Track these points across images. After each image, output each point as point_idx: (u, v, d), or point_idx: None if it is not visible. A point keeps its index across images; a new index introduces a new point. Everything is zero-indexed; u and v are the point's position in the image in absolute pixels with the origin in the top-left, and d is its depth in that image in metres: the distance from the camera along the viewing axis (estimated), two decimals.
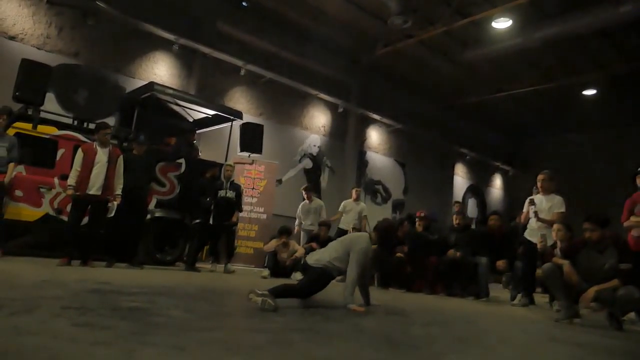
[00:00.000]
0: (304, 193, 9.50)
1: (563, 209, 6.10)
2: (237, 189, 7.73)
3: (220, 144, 9.31)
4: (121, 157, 6.31)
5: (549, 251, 5.21)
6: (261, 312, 3.06)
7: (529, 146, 19.98)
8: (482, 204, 20.15)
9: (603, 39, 11.81)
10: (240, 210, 7.93)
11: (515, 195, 6.88)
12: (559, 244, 5.12)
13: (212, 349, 1.79)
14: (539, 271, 4.65)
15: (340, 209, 9.39)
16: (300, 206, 9.47)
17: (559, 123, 17.81)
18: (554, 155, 18.46)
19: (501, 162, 20.35)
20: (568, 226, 5.29)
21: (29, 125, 6.57)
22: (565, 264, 4.33)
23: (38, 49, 9.44)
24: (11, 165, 5.94)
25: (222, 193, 7.53)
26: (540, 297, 6.51)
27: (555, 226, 5.46)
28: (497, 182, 21.21)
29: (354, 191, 9.54)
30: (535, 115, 17.86)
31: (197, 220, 7.55)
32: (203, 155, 9.05)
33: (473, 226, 12.34)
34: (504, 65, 13.92)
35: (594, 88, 15.00)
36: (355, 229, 8.71)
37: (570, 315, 4.31)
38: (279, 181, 12.31)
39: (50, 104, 8.24)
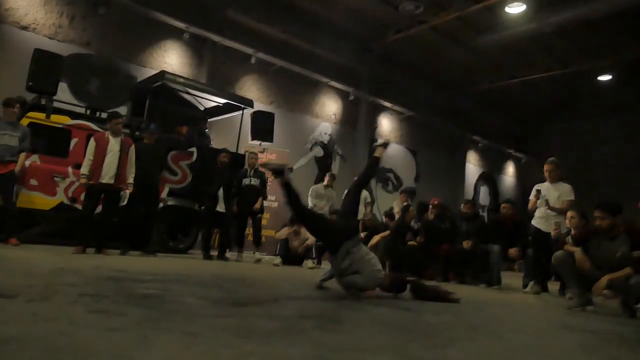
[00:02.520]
0: (327, 176, 9.13)
1: (572, 197, 6.06)
2: (261, 176, 7.67)
3: (231, 133, 9.33)
4: (133, 146, 6.36)
5: (562, 239, 5.17)
6: (274, 300, 3.09)
7: (543, 133, 19.73)
8: (495, 191, 20.02)
9: (618, 23, 11.57)
10: (265, 198, 7.84)
11: (529, 183, 6.82)
12: (572, 231, 5.08)
13: (225, 335, 1.81)
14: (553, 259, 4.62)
15: (343, 197, 9.18)
16: (311, 189, 9.03)
17: (573, 109, 17.56)
18: (568, 141, 18.25)
19: (514, 149, 20.16)
20: (582, 213, 5.24)
21: (42, 115, 6.64)
22: (577, 251, 4.29)
23: (50, 38, 9.49)
24: (22, 155, 6.01)
25: (246, 181, 7.51)
26: (554, 285, 6.47)
27: (568, 213, 5.42)
28: (510, 169, 21.04)
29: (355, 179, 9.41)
30: (549, 101, 17.62)
31: (203, 207, 7.52)
32: (214, 143, 9.09)
33: (485, 214, 12.26)
34: (518, 51, 13.72)
35: (609, 73, 14.76)
36: (366, 218, 8.71)
37: (582, 303, 4.28)
38: (290, 169, 12.32)
39: (63, 94, 8.33)
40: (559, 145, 18.15)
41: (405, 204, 8.36)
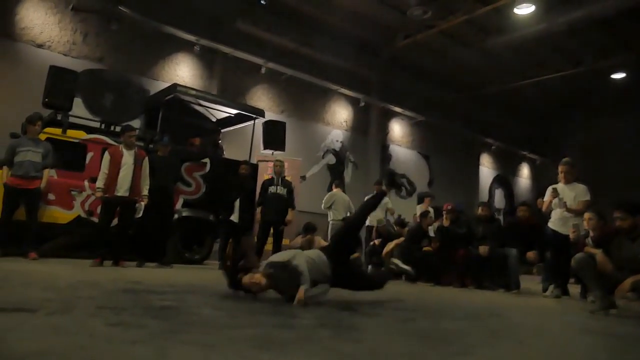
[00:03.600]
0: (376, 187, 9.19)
1: (588, 197, 5.95)
2: (288, 185, 7.52)
3: (243, 143, 9.39)
4: (147, 158, 6.41)
5: (582, 241, 5.08)
6: (289, 309, 3.08)
7: (557, 133, 19.51)
8: (510, 194, 19.82)
9: (631, 20, 11.44)
10: (293, 208, 7.60)
11: (544, 184, 6.73)
12: (591, 233, 5.00)
13: (243, 346, 1.80)
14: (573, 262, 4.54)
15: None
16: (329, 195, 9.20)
17: (587, 108, 17.37)
18: (583, 141, 18.02)
19: (528, 150, 19.96)
20: (600, 214, 5.15)
21: (58, 130, 6.75)
22: (598, 253, 4.22)
23: (64, 55, 9.68)
24: (46, 170, 6.13)
25: (272, 189, 7.34)
26: (574, 289, 6.36)
27: (586, 215, 5.33)
28: (525, 171, 20.83)
29: (375, 188, 9.44)
30: (563, 101, 17.45)
31: (220, 217, 7.50)
32: (227, 154, 9.15)
33: (500, 217, 12.12)
34: (529, 52, 13.64)
35: (623, 71, 14.56)
36: (380, 225, 8.66)
37: (605, 306, 4.19)
38: (303, 177, 12.34)
39: (78, 109, 8.46)
40: (574, 145, 17.92)
41: (428, 208, 8.32)
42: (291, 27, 12.64)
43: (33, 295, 2.86)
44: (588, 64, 13.71)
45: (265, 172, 9.94)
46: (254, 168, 8.52)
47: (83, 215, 6.74)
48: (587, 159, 15.79)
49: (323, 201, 9.37)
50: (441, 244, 7.36)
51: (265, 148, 9.45)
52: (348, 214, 9.05)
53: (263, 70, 12.21)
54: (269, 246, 7.83)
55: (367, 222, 8.98)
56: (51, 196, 6.51)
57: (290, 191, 7.54)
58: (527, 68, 14.59)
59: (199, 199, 7.84)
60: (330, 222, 9.26)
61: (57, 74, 7.07)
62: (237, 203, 7.26)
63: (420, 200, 15.99)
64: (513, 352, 2.18)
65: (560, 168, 6.27)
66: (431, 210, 8.46)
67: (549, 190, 6.21)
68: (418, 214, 8.39)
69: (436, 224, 8.05)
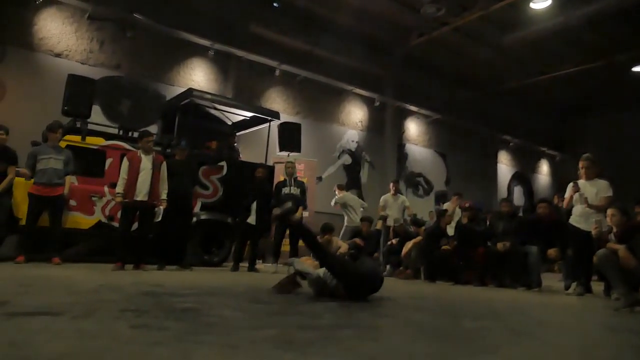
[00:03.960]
0: (391, 185, 9.43)
1: (610, 193, 5.82)
2: (301, 185, 7.59)
3: (259, 145, 9.44)
4: (164, 163, 6.48)
5: (605, 237, 4.99)
6: (310, 310, 3.09)
7: (576, 129, 19.20)
8: (529, 191, 19.56)
9: None
10: (305, 208, 7.73)
11: (564, 181, 6.62)
12: (614, 229, 4.90)
13: (265, 346, 1.81)
14: (595, 258, 4.45)
15: (381, 203, 9.26)
16: (383, 199, 9.30)
17: (607, 103, 17.06)
18: (603, 136, 17.69)
19: (547, 147, 19.67)
20: (623, 210, 5.04)
21: (78, 137, 6.87)
22: (621, 248, 4.14)
23: (82, 63, 9.85)
24: (68, 177, 6.24)
25: (286, 190, 7.40)
26: (598, 286, 6.24)
27: (609, 211, 5.23)
28: (544, 168, 20.54)
29: (391, 185, 9.42)
30: (582, 96, 17.18)
31: (237, 219, 7.55)
32: (243, 156, 9.21)
33: (520, 215, 11.97)
34: (546, 47, 13.45)
35: None
36: (397, 225, 8.63)
37: (630, 303, 4.10)
38: (319, 178, 12.36)
39: (97, 116, 8.60)
40: (594, 140, 17.61)
41: (457, 207, 8.26)
42: (304, 29, 12.67)
43: (57, 299, 2.92)
44: (607, 57, 13.45)
45: (281, 174, 9.99)
46: (270, 170, 8.56)
47: (104, 220, 6.85)
48: (609, 154, 15.49)
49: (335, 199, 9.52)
50: (460, 242, 7.30)
51: (281, 150, 9.49)
52: (361, 209, 9.21)
53: (277, 72, 12.26)
54: (285, 247, 7.87)
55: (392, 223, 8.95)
56: (72, 202, 6.62)
57: (304, 191, 7.60)
58: (545, 63, 14.39)
59: (217, 202, 7.90)
60: (345, 226, 9.32)
61: (75, 82, 7.19)
62: (254, 206, 7.30)
63: (436, 201, 15.94)
64: (536, 350, 2.15)
65: (580, 164, 6.16)
66: (458, 209, 8.35)
67: (570, 185, 6.11)
68: (449, 212, 8.30)
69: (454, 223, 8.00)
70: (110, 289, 3.59)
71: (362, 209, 9.44)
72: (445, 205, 9.19)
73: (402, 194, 10.20)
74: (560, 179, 19.21)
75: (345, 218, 9.45)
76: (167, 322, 2.24)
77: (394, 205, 9.09)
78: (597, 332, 3.02)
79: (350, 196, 9.70)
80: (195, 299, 3.32)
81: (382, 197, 9.35)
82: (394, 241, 8.48)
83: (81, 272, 5.09)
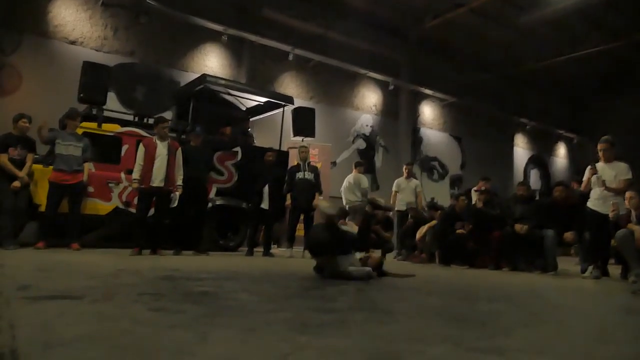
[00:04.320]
0: (404, 168, 9.28)
1: (630, 176, 5.70)
2: (314, 170, 7.60)
3: (273, 130, 9.44)
4: (179, 149, 6.53)
5: (624, 218, 4.92)
6: (325, 293, 3.11)
7: (595, 111, 18.80)
8: (546, 174, 19.31)
9: None
10: (321, 192, 7.69)
11: (582, 164, 6.49)
12: (633, 212, 4.83)
13: (281, 329, 1.84)
14: (613, 241, 4.41)
15: (394, 188, 9.18)
16: (396, 183, 9.20)
17: (628, 83, 16.66)
18: (623, 118, 17.30)
19: (565, 129, 19.34)
20: None
21: (94, 125, 6.93)
22: (637, 229, 4.09)
23: (97, 50, 9.90)
24: (86, 164, 6.35)
25: (300, 175, 7.43)
26: (615, 270, 6.17)
27: (627, 194, 5.16)
28: (561, 151, 20.23)
29: (404, 168, 9.32)
30: (602, 77, 16.79)
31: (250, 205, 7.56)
32: (257, 142, 9.23)
33: (537, 198, 11.81)
34: (564, 27, 13.15)
35: None
36: (411, 208, 8.60)
37: None
38: (334, 163, 12.34)
39: (112, 103, 8.66)
40: (614, 122, 17.24)
41: (483, 188, 8.15)
42: (317, 12, 12.55)
43: (78, 283, 2.98)
44: (628, 36, 13.08)
45: (295, 159, 9.98)
46: (285, 155, 8.57)
47: (121, 206, 6.94)
48: (629, 136, 15.16)
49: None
50: (475, 226, 7.26)
51: (295, 135, 9.48)
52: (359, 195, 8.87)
53: (291, 57, 12.19)
54: (300, 232, 7.91)
55: (397, 207, 8.88)
56: (90, 189, 6.72)
57: (317, 175, 7.59)
58: (563, 44, 14.05)
59: (232, 187, 7.94)
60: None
61: (90, 69, 7.24)
62: (266, 190, 7.31)
63: (451, 185, 15.82)
64: (553, 333, 2.14)
65: (599, 146, 6.05)
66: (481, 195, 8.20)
67: (588, 168, 6.02)
68: (475, 197, 8.20)
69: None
70: (129, 274, 3.66)
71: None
72: (473, 190, 8.91)
73: (415, 177, 10.07)
74: (577, 162, 18.90)
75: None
76: (185, 306, 2.28)
77: (407, 188, 9.00)
78: (613, 315, 3.00)
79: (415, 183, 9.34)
80: (212, 283, 3.36)
81: (395, 181, 9.28)
82: (410, 221, 8.45)
83: (99, 258, 5.19)
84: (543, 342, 1.90)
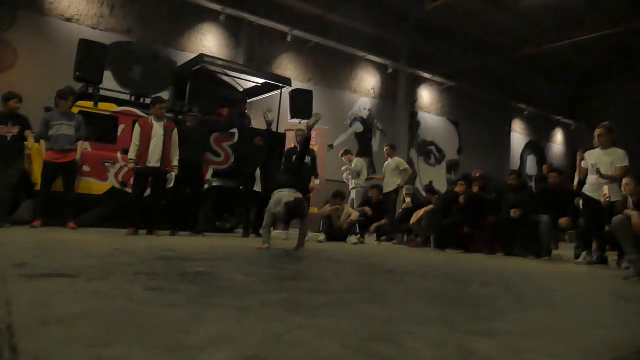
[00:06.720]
0: (386, 149, 9.33)
1: (626, 163, 5.70)
2: (311, 153, 7.53)
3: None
4: (176, 129, 6.50)
5: (620, 205, 4.94)
6: (320, 275, 3.14)
7: (593, 97, 18.74)
8: (542, 160, 19.35)
9: None
10: (317, 176, 7.70)
11: (579, 150, 6.50)
12: (629, 198, 4.85)
13: (275, 309, 1.85)
14: (607, 227, 4.44)
15: (383, 170, 9.26)
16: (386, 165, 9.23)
17: (627, 70, 16.59)
18: (622, 104, 17.23)
19: (562, 115, 19.32)
20: (638, 179, 4.98)
21: (90, 104, 6.88)
22: (634, 214, 4.12)
23: (93, 28, 9.78)
24: (80, 143, 6.30)
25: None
26: (612, 256, 6.22)
27: (624, 180, 5.17)
28: (559, 137, 20.24)
29: (385, 149, 9.32)
30: (601, 63, 16.72)
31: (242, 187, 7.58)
32: (255, 124, 9.18)
33: (532, 184, 11.85)
34: (564, 11, 13.05)
35: None
36: (401, 187, 8.65)
37: None
38: (331, 146, 12.31)
39: (108, 82, 8.57)
40: (613, 108, 17.19)
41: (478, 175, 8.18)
42: None
43: (74, 262, 2.99)
44: (628, 22, 12.98)
45: (292, 141, 9.95)
46: (281, 138, 8.53)
47: (117, 186, 6.93)
48: (627, 123, 15.14)
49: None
50: (470, 211, 7.29)
51: (292, 117, 9.43)
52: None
53: (289, 38, 12.08)
54: None
55: (391, 188, 8.83)
56: (86, 168, 6.70)
57: (314, 158, 7.57)
58: (563, 28, 13.94)
59: (228, 169, 7.93)
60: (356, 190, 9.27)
61: (86, 47, 7.13)
62: (257, 174, 7.29)
63: (448, 170, 15.83)
64: (544, 317, 2.17)
65: (596, 132, 6.05)
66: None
67: (578, 153, 6.09)
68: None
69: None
70: (125, 253, 3.67)
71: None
72: None
73: (412, 162, 10.06)
74: (574, 148, 18.92)
75: (353, 181, 9.35)
76: (181, 285, 2.29)
77: (387, 169, 8.98)
78: (605, 300, 3.04)
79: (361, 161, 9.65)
80: (208, 263, 3.38)
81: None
82: (407, 204, 8.49)
83: (96, 237, 5.20)
84: (534, 326, 1.93)
